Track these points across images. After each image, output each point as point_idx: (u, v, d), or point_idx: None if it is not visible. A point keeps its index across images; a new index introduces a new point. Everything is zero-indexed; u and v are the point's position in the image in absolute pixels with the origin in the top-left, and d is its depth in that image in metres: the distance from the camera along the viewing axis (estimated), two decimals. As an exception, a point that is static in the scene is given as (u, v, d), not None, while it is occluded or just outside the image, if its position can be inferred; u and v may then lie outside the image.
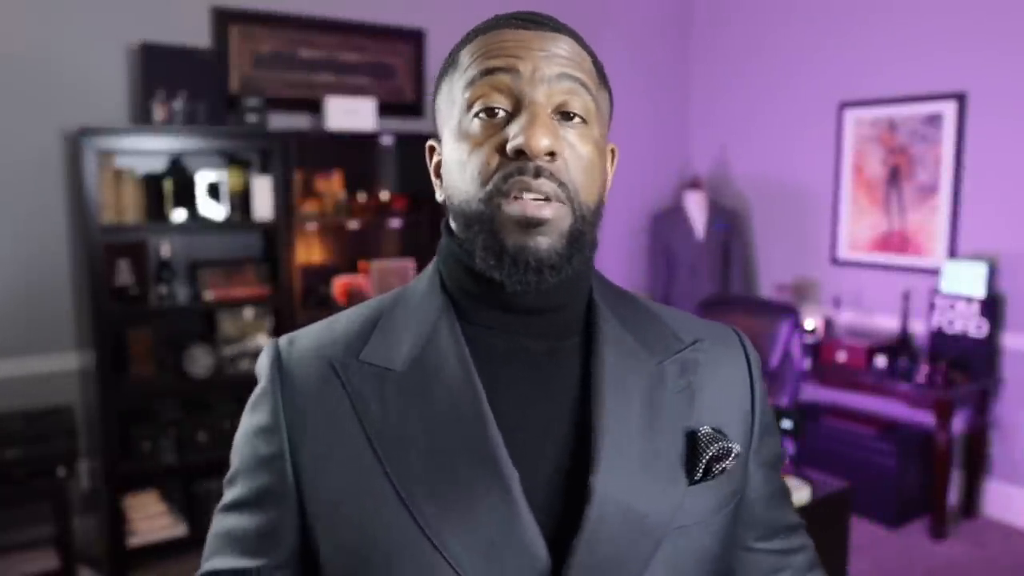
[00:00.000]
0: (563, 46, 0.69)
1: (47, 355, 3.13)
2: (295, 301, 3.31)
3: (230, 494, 0.73)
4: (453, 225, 0.72)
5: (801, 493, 2.07)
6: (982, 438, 3.51)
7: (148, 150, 3.14)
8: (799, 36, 4.18)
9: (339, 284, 3.53)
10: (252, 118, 3.24)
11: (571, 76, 0.68)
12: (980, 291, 3.40)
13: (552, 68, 0.67)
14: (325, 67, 3.62)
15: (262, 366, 0.73)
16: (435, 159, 0.76)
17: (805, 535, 0.82)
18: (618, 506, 0.66)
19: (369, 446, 0.67)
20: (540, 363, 0.71)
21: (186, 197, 3.15)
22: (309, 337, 0.74)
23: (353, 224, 3.48)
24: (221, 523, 0.73)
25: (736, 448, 0.70)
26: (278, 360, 0.72)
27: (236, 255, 3.40)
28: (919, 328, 3.71)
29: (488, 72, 0.67)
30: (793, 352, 2.98)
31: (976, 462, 3.52)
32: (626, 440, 0.68)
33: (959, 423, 3.57)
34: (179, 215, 3.12)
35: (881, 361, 3.56)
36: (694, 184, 4.38)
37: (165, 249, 3.14)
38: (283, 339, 0.75)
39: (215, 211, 3.16)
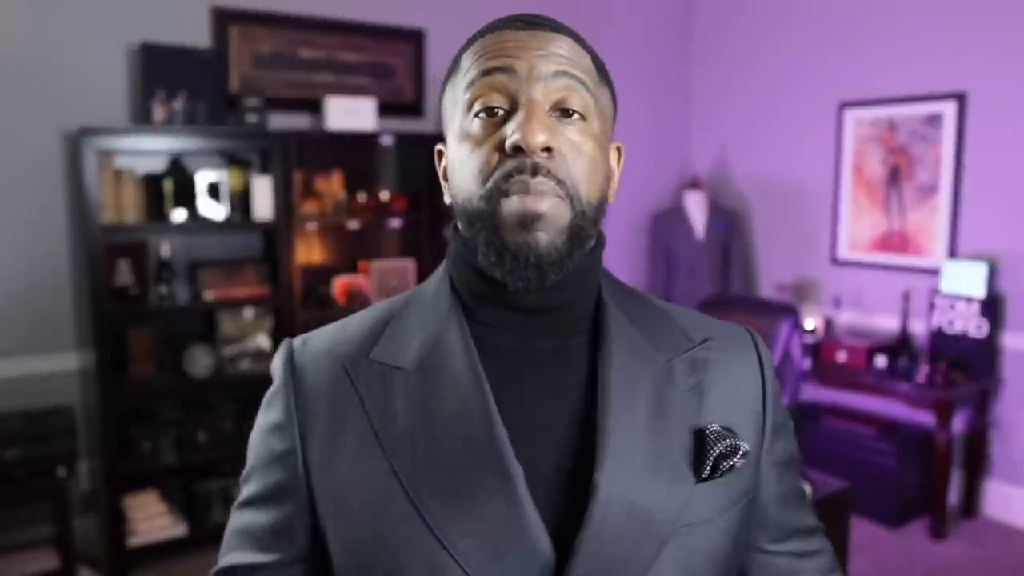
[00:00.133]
0: (561, 45, 0.70)
1: (47, 355, 3.13)
2: (295, 301, 3.31)
3: (246, 491, 0.75)
4: (459, 225, 0.73)
5: (801, 493, 2.06)
6: (982, 438, 3.51)
7: (148, 150, 3.14)
8: (799, 37, 4.18)
9: (339, 284, 3.53)
10: (252, 118, 3.24)
11: (568, 74, 0.69)
12: (980, 291, 3.40)
13: (549, 66, 0.68)
14: (325, 67, 3.62)
15: (276, 365, 0.75)
16: (443, 163, 0.77)
17: (823, 539, 0.81)
18: (623, 503, 0.66)
19: (377, 443, 0.68)
20: (546, 361, 0.72)
21: (186, 197, 3.15)
22: (322, 337, 0.76)
23: (353, 224, 3.48)
24: (237, 519, 0.75)
25: (744, 446, 0.70)
26: (291, 360, 0.75)
27: (236, 255, 3.40)
28: (919, 328, 3.71)
29: (486, 73, 0.68)
30: (793, 352, 2.98)
31: (976, 462, 3.52)
32: (632, 438, 0.68)
33: (959, 423, 3.56)
34: (179, 215, 3.12)
35: (881, 361, 3.56)
36: (694, 184, 4.38)
37: (165, 249, 3.14)
38: (297, 339, 0.77)
39: (215, 211, 3.16)
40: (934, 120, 3.62)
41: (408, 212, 3.61)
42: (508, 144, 0.66)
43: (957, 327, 3.49)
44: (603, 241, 0.76)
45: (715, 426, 0.71)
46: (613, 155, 0.77)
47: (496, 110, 0.68)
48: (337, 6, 3.62)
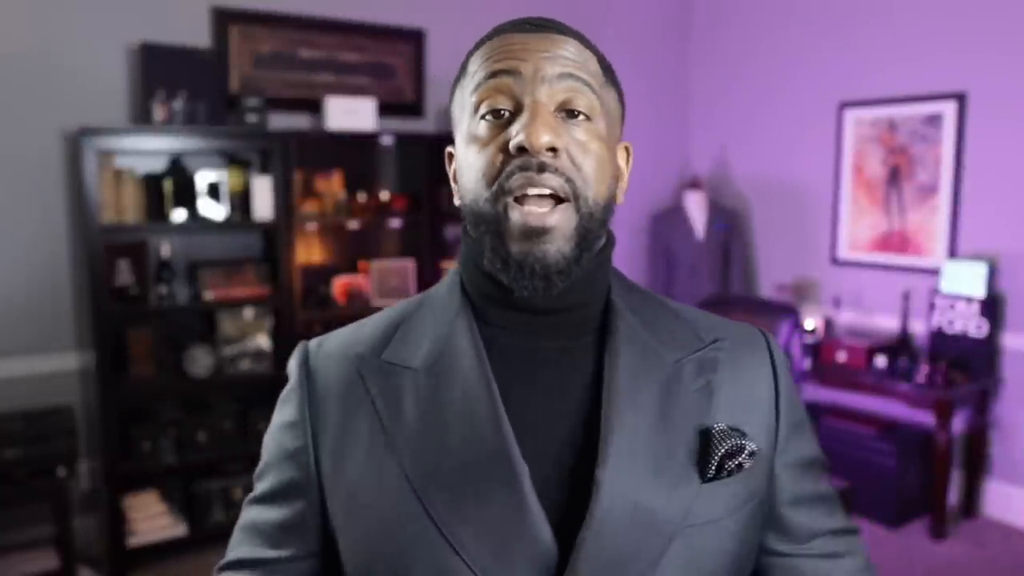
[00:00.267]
0: (566, 47, 0.70)
1: (47, 355, 3.13)
2: (295, 301, 3.31)
3: (258, 487, 0.77)
4: (468, 227, 0.74)
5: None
6: (982, 438, 3.51)
7: (148, 150, 3.14)
8: (799, 37, 4.18)
9: (339, 284, 3.53)
10: (252, 118, 3.24)
11: (573, 76, 0.69)
12: (980, 291, 3.40)
13: (554, 68, 0.69)
14: (325, 67, 3.62)
15: (292, 366, 0.78)
16: (452, 165, 0.78)
17: (853, 540, 0.79)
18: (626, 501, 0.66)
19: (386, 442, 0.70)
20: (554, 361, 0.72)
21: (186, 197, 3.15)
22: (337, 339, 0.78)
23: (353, 224, 3.48)
24: (247, 515, 0.77)
25: (751, 446, 0.70)
26: (306, 360, 0.77)
27: (236, 255, 3.40)
28: (919, 328, 3.71)
29: (492, 75, 0.69)
30: (793, 352, 2.98)
31: (976, 462, 3.52)
32: (636, 437, 0.68)
33: (959, 423, 3.56)
34: (179, 215, 3.12)
35: (881, 361, 3.56)
36: (694, 184, 4.38)
37: (165, 249, 3.14)
38: (314, 341, 0.80)
39: (215, 211, 3.16)
40: (934, 120, 3.62)
41: (408, 212, 3.61)
42: (512, 145, 0.67)
43: (957, 327, 3.49)
44: (612, 241, 0.77)
45: (721, 425, 0.71)
46: (621, 155, 0.78)
47: (502, 112, 0.69)
48: (337, 6, 3.62)
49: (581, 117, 0.69)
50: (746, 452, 0.69)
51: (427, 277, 3.64)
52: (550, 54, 0.69)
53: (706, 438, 0.70)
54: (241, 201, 3.21)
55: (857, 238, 3.98)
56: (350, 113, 3.43)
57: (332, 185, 3.46)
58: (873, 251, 3.91)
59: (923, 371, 3.36)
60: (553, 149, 0.67)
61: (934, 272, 3.62)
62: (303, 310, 3.36)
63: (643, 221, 4.57)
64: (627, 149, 0.79)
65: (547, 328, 0.73)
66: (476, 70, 0.71)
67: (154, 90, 3.06)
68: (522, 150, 0.66)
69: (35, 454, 2.74)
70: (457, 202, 0.76)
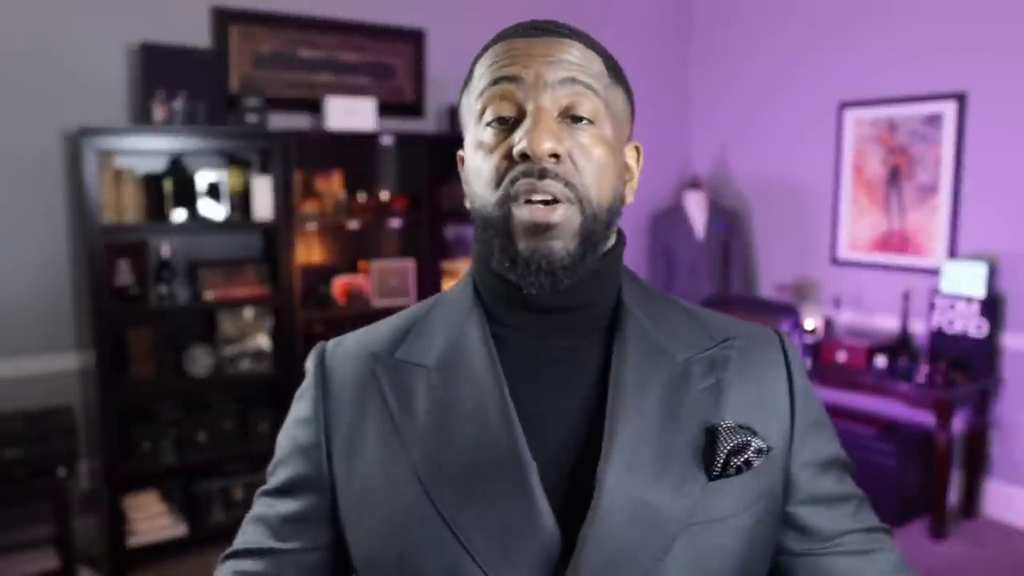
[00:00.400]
0: (570, 51, 0.71)
1: (47, 355, 3.13)
2: (295, 301, 3.31)
3: (271, 481, 0.79)
4: (478, 230, 0.76)
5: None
6: (982, 438, 3.51)
7: (148, 150, 3.14)
8: (799, 37, 4.18)
9: (339, 284, 3.53)
10: (252, 118, 3.24)
11: (576, 80, 0.70)
12: (980, 291, 3.40)
13: (556, 73, 0.69)
14: (325, 67, 3.62)
15: (309, 364, 0.80)
16: (463, 169, 0.79)
17: (885, 538, 0.77)
18: (628, 498, 0.66)
19: (397, 438, 0.71)
20: (563, 360, 0.74)
21: (186, 197, 3.15)
22: (353, 339, 0.81)
23: (353, 224, 3.48)
24: (257, 507, 0.79)
25: (758, 443, 0.70)
26: (322, 359, 0.79)
27: (236, 255, 3.40)
28: (919, 328, 3.71)
29: (495, 82, 0.71)
30: (793, 352, 2.98)
31: (976, 462, 3.52)
32: (641, 434, 0.69)
33: (959, 423, 3.56)
34: (179, 215, 3.12)
35: (881, 361, 3.56)
36: (694, 184, 4.38)
37: (165, 249, 3.14)
38: (332, 341, 0.82)
39: (215, 211, 3.16)
40: (934, 120, 3.62)
41: (408, 212, 3.61)
42: (515, 151, 0.68)
43: (957, 327, 3.49)
44: (623, 242, 0.78)
45: (728, 422, 0.71)
46: (631, 155, 0.78)
47: (506, 118, 0.70)
48: (337, 6, 3.62)
49: (585, 122, 0.70)
50: (752, 449, 0.69)
51: (427, 277, 3.64)
52: (553, 59, 0.70)
53: (712, 435, 0.70)
54: (241, 201, 3.21)
55: (857, 238, 3.98)
56: (350, 113, 3.43)
57: (332, 185, 3.46)
58: (873, 251, 3.91)
59: (923, 371, 3.36)
60: (556, 155, 0.68)
61: (934, 272, 3.62)
62: (303, 310, 3.36)
63: (643, 221, 4.57)
64: (637, 149, 0.79)
65: (556, 327, 0.74)
66: (481, 76, 0.73)
67: (154, 90, 3.06)
68: (525, 156, 0.67)
69: (35, 454, 2.74)
70: (468, 205, 0.77)
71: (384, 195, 3.59)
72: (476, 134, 0.73)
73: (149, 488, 3.20)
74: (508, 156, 0.69)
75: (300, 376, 0.83)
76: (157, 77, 3.08)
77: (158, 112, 3.05)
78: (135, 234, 3.09)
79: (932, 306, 3.57)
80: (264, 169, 3.34)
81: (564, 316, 0.74)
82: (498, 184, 0.69)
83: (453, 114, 3.78)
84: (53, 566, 2.82)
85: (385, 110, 3.67)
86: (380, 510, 0.70)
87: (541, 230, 0.68)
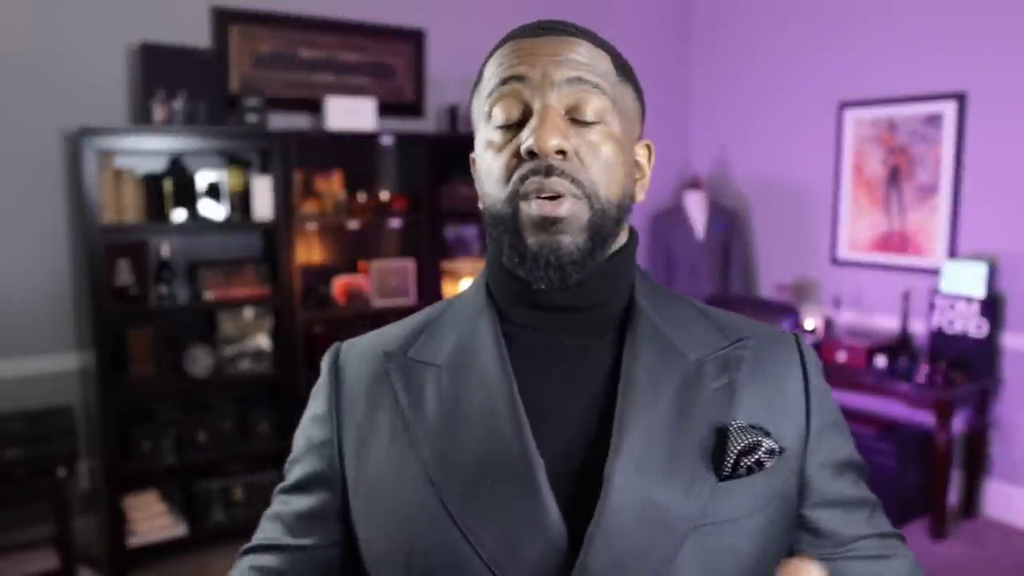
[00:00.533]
0: (577, 50, 0.71)
1: (47, 355, 3.13)
2: (295, 301, 3.31)
3: (288, 478, 0.80)
4: (489, 229, 0.76)
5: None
6: (982, 438, 3.51)
7: (148, 150, 3.14)
8: (798, 37, 4.18)
9: (339, 284, 3.53)
10: (252, 118, 3.24)
11: (582, 80, 0.70)
12: (980, 291, 3.40)
13: (562, 73, 0.70)
14: (325, 67, 3.62)
15: (324, 363, 0.82)
16: (476, 170, 0.80)
17: (900, 545, 0.77)
18: (637, 497, 0.66)
19: (407, 435, 0.72)
20: (574, 358, 0.74)
21: (186, 197, 3.15)
22: (368, 339, 0.82)
23: (353, 224, 3.48)
24: (274, 504, 0.80)
25: (770, 443, 0.69)
26: (337, 357, 0.81)
27: (236, 255, 3.40)
28: (919, 328, 3.71)
29: (503, 83, 0.71)
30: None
31: (976, 462, 3.52)
32: (651, 434, 0.69)
33: (959, 423, 3.56)
34: (179, 215, 3.12)
35: (881, 361, 3.56)
36: (694, 184, 4.38)
37: (165, 249, 3.14)
38: (348, 341, 0.83)
39: (215, 211, 3.16)
40: (934, 120, 3.62)
41: (408, 212, 3.61)
42: (523, 149, 0.68)
43: (957, 327, 3.49)
44: (635, 241, 0.78)
45: (739, 422, 0.70)
46: (642, 153, 0.79)
47: (514, 118, 0.71)
48: (337, 6, 3.62)
49: (592, 120, 0.70)
50: (764, 449, 0.69)
51: (427, 277, 3.64)
52: (559, 58, 0.70)
53: (723, 435, 0.70)
54: (241, 201, 3.21)
55: (857, 238, 3.98)
56: (350, 113, 3.43)
57: (332, 185, 3.46)
58: (873, 251, 3.91)
59: (923, 371, 3.36)
60: (562, 152, 0.68)
61: (934, 272, 3.62)
62: (303, 310, 3.36)
63: (643, 221, 4.57)
64: (648, 147, 0.80)
65: (568, 326, 0.74)
66: (489, 77, 0.73)
67: (154, 90, 3.06)
68: (532, 154, 0.68)
69: (35, 454, 2.74)
70: (480, 206, 0.77)
71: (384, 195, 3.59)
72: (485, 134, 0.73)
73: (149, 488, 3.20)
74: (516, 154, 0.69)
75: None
76: (157, 77, 3.08)
77: (158, 112, 3.05)
78: (135, 234, 3.09)
79: (932, 306, 3.57)
80: (264, 169, 3.34)
81: (576, 315, 0.74)
82: (507, 181, 0.70)
83: (453, 114, 3.78)
84: (53, 566, 2.82)
85: (385, 110, 3.67)
86: (390, 507, 0.71)
87: (549, 224, 0.68)
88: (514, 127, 0.71)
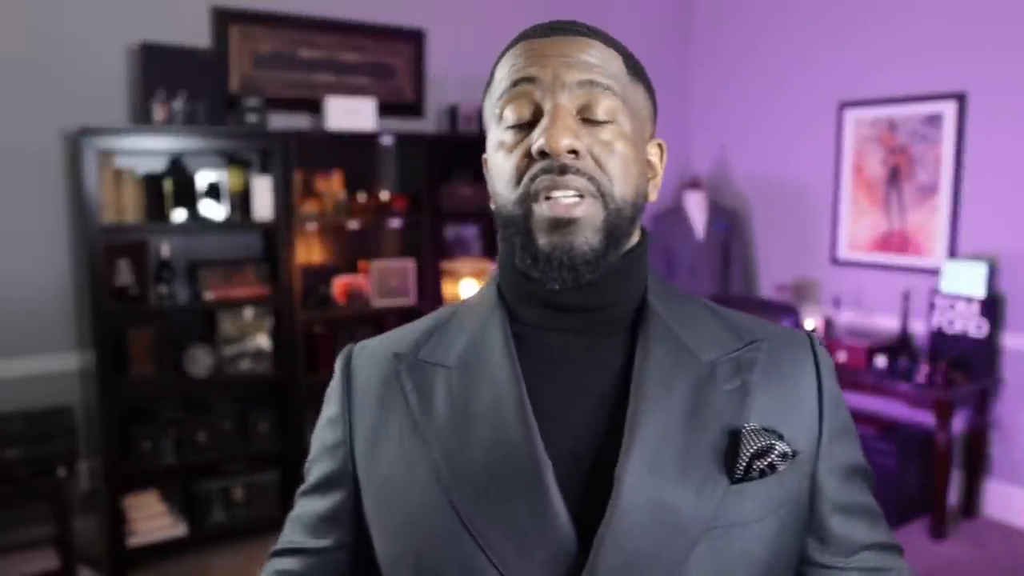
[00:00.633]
0: (588, 50, 0.71)
1: (47, 355, 3.13)
2: (295, 301, 3.31)
3: (307, 480, 0.81)
4: (500, 230, 0.76)
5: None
6: (982, 438, 3.51)
7: (148, 150, 3.14)
8: (798, 37, 4.18)
9: (339, 284, 3.53)
10: (252, 118, 3.24)
11: (593, 82, 0.70)
12: (980, 291, 3.40)
13: (573, 75, 0.70)
14: (325, 67, 3.62)
15: (336, 365, 0.82)
16: (488, 172, 0.80)
17: (898, 558, 0.76)
18: (648, 499, 0.65)
19: (417, 436, 0.72)
20: (585, 359, 0.73)
21: (186, 197, 3.15)
22: (380, 340, 0.82)
23: (353, 224, 3.48)
24: (296, 506, 0.82)
25: (783, 447, 0.68)
26: (349, 360, 0.81)
27: (236, 255, 3.40)
28: (919, 328, 3.71)
29: (514, 84, 0.71)
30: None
31: (976, 462, 3.52)
32: (662, 435, 0.68)
33: (959, 423, 3.56)
34: (179, 215, 3.12)
35: (881, 361, 3.56)
36: (694, 184, 4.38)
37: (165, 249, 3.14)
38: (360, 343, 0.83)
39: (215, 211, 3.16)
40: (934, 120, 3.62)
41: (408, 212, 3.61)
42: (534, 149, 0.68)
43: (957, 327, 3.49)
44: (647, 240, 0.78)
45: (752, 425, 0.69)
46: (655, 152, 0.79)
47: (525, 118, 0.70)
48: (337, 6, 3.62)
49: (603, 121, 0.70)
50: (776, 453, 0.68)
51: (427, 277, 3.64)
52: (571, 59, 0.70)
53: (735, 438, 0.69)
54: (241, 201, 3.21)
55: (857, 238, 3.98)
56: (350, 113, 3.43)
57: (332, 185, 3.46)
58: (873, 251, 3.91)
59: (923, 371, 3.36)
60: (575, 152, 0.68)
61: (934, 272, 3.62)
62: (303, 310, 3.36)
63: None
64: (660, 146, 0.79)
65: (579, 326, 0.73)
66: (501, 79, 0.73)
67: (154, 90, 3.06)
68: (544, 154, 0.68)
69: (35, 454, 2.74)
70: (492, 207, 0.77)
71: (384, 195, 3.59)
72: (497, 135, 0.73)
73: (149, 488, 3.20)
74: (528, 154, 0.69)
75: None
76: (157, 77, 3.08)
77: (158, 112, 3.05)
78: (135, 234, 3.09)
79: (932, 306, 3.57)
80: (264, 169, 3.34)
81: (588, 315, 0.73)
82: (518, 182, 0.70)
83: (453, 114, 3.78)
84: (53, 566, 2.82)
85: (385, 110, 3.67)
86: (400, 508, 0.71)
87: (562, 225, 0.68)
88: (525, 127, 0.70)
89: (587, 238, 0.68)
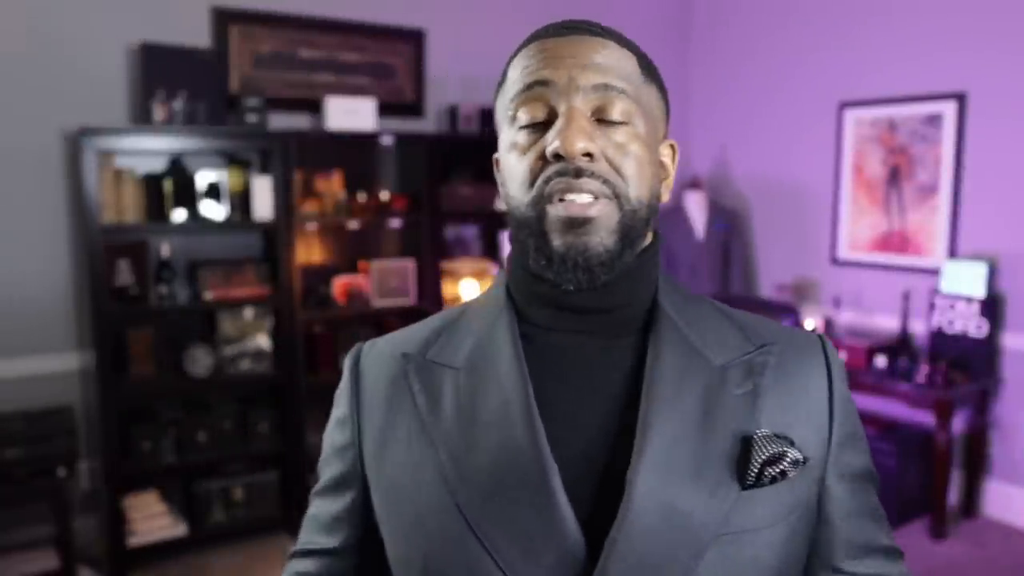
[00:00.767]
0: (602, 52, 0.71)
1: (47, 355, 3.13)
2: (295, 301, 3.31)
3: (320, 479, 0.82)
4: (513, 231, 0.75)
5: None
6: (982, 438, 3.51)
7: (148, 150, 3.14)
8: (798, 37, 4.18)
9: (339, 284, 3.53)
10: (252, 118, 3.24)
11: (608, 85, 0.69)
12: (980, 291, 3.40)
13: (588, 78, 0.69)
14: (325, 67, 3.62)
15: (345, 365, 0.82)
16: (499, 172, 0.79)
17: (902, 564, 0.77)
18: (660, 503, 0.65)
19: (424, 437, 0.72)
20: (595, 361, 0.72)
21: (186, 197, 3.15)
22: (388, 340, 0.82)
23: (353, 224, 3.48)
24: (311, 506, 0.82)
25: (795, 453, 0.68)
26: (357, 360, 0.81)
27: (236, 255, 3.40)
28: (919, 328, 3.71)
29: (528, 87, 0.70)
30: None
31: (976, 462, 3.52)
32: (674, 439, 0.67)
33: (959, 423, 3.56)
34: (179, 215, 3.12)
35: (881, 361, 3.56)
36: (694, 184, 4.38)
37: (165, 249, 3.14)
38: (369, 342, 0.83)
39: (215, 211, 3.16)
40: (934, 120, 3.62)
41: (408, 212, 3.61)
42: (548, 151, 0.67)
43: (957, 327, 3.49)
44: (659, 240, 0.77)
45: (764, 431, 0.69)
46: (667, 152, 0.78)
47: (539, 120, 0.70)
48: (337, 6, 3.62)
49: (618, 122, 0.70)
50: (789, 460, 0.67)
51: (427, 277, 3.64)
52: (585, 61, 0.69)
53: (747, 444, 0.68)
54: (241, 201, 3.21)
55: (857, 238, 3.98)
56: (350, 113, 3.43)
57: (332, 185, 3.46)
58: (873, 251, 3.91)
59: (923, 371, 3.36)
60: (589, 154, 0.67)
61: (934, 272, 3.62)
62: (303, 310, 3.36)
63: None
64: (672, 147, 0.79)
65: (590, 327, 0.73)
66: (514, 80, 0.72)
67: (154, 90, 3.06)
68: (558, 156, 0.67)
69: (35, 454, 2.74)
70: (503, 207, 0.77)
71: (384, 195, 3.59)
72: (510, 136, 0.72)
73: (149, 488, 3.20)
74: (542, 156, 0.69)
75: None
76: (157, 77, 3.08)
77: (158, 112, 3.05)
78: (135, 234, 3.09)
79: (932, 306, 3.57)
80: (264, 169, 3.34)
81: (599, 316, 0.72)
82: (532, 184, 0.69)
83: (453, 114, 3.78)
84: (53, 566, 2.82)
85: (385, 110, 3.67)
86: (408, 509, 0.71)
87: (577, 225, 0.67)
88: (539, 129, 0.70)
89: (602, 239, 0.68)
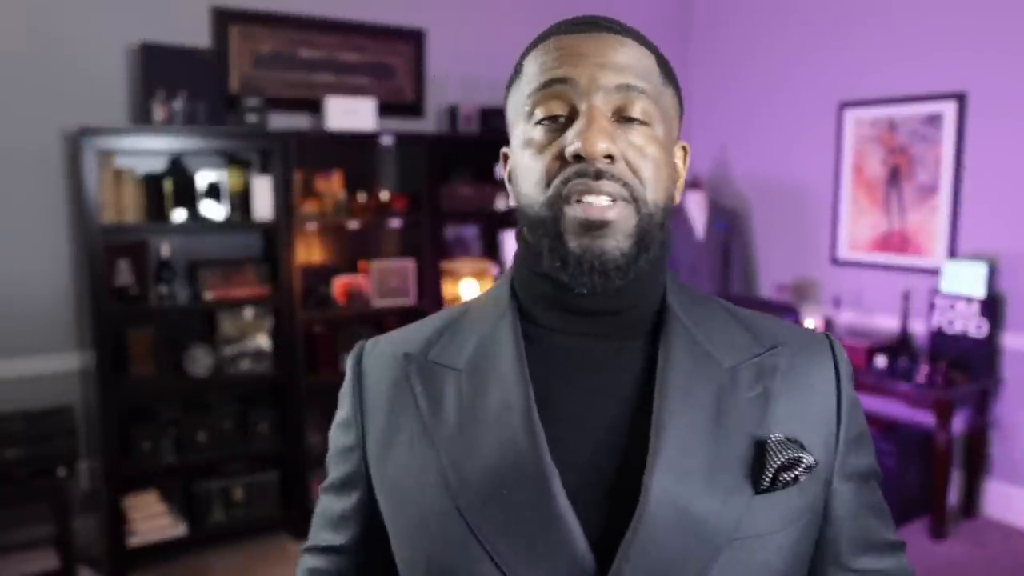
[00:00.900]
0: (622, 51, 0.69)
1: (47, 355, 3.13)
2: (295, 301, 3.31)
3: (328, 476, 0.82)
4: (524, 230, 0.74)
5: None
6: (982, 438, 3.51)
7: (148, 150, 3.14)
8: (798, 37, 4.18)
9: (339, 284, 3.53)
10: (252, 118, 3.24)
11: (629, 86, 0.68)
12: (980, 291, 3.40)
13: (609, 78, 0.68)
14: (325, 67, 3.62)
15: (347, 365, 0.81)
16: (507, 166, 0.77)
17: (903, 557, 0.78)
18: (675, 508, 0.64)
19: (427, 439, 0.71)
20: (603, 363, 0.71)
21: (186, 197, 3.15)
22: (390, 339, 0.81)
23: (353, 224, 3.48)
24: (320, 502, 0.83)
25: (809, 459, 0.67)
26: (359, 360, 0.80)
27: (236, 255, 3.40)
28: (919, 328, 3.71)
29: (547, 83, 0.69)
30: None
31: (976, 462, 3.52)
32: (688, 442, 0.66)
33: (959, 423, 3.56)
34: (179, 215, 3.12)
35: (881, 361, 3.56)
36: (694, 184, 4.38)
37: (165, 249, 3.14)
38: (370, 341, 0.82)
39: (215, 211, 3.16)
40: (934, 120, 3.62)
41: (408, 212, 3.61)
42: (568, 152, 0.66)
43: (957, 327, 3.49)
44: (667, 243, 0.75)
45: (778, 436, 0.68)
46: (679, 154, 0.77)
47: (558, 118, 0.69)
48: (337, 6, 3.62)
49: (637, 122, 0.69)
50: (803, 466, 0.67)
51: (427, 277, 3.64)
52: (605, 61, 0.68)
53: (761, 449, 0.68)
54: (241, 201, 3.21)
55: (857, 238, 3.98)
56: (350, 113, 3.43)
57: (332, 185, 3.46)
58: (873, 251, 3.91)
59: (923, 371, 3.36)
60: (610, 156, 0.66)
61: (934, 272, 3.62)
62: (303, 310, 3.36)
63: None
64: (684, 149, 0.78)
65: (597, 329, 0.72)
66: (531, 75, 0.71)
67: (154, 90, 3.06)
68: (578, 157, 0.66)
69: (35, 454, 2.74)
70: (512, 204, 0.75)
71: (384, 195, 3.59)
72: (526, 132, 0.71)
73: (149, 488, 3.20)
74: (560, 156, 0.67)
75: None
76: (157, 77, 3.08)
77: (158, 112, 3.05)
78: (135, 234, 3.09)
79: (932, 306, 3.57)
80: (264, 169, 3.34)
81: (607, 318, 0.71)
82: (548, 184, 0.68)
83: (453, 114, 3.78)
84: (53, 566, 2.82)
85: (385, 110, 3.67)
86: (411, 512, 0.70)
87: (595, 227, 0.66)
88: (557, 127, 0.69)
89: (619, 242, 0.67)
